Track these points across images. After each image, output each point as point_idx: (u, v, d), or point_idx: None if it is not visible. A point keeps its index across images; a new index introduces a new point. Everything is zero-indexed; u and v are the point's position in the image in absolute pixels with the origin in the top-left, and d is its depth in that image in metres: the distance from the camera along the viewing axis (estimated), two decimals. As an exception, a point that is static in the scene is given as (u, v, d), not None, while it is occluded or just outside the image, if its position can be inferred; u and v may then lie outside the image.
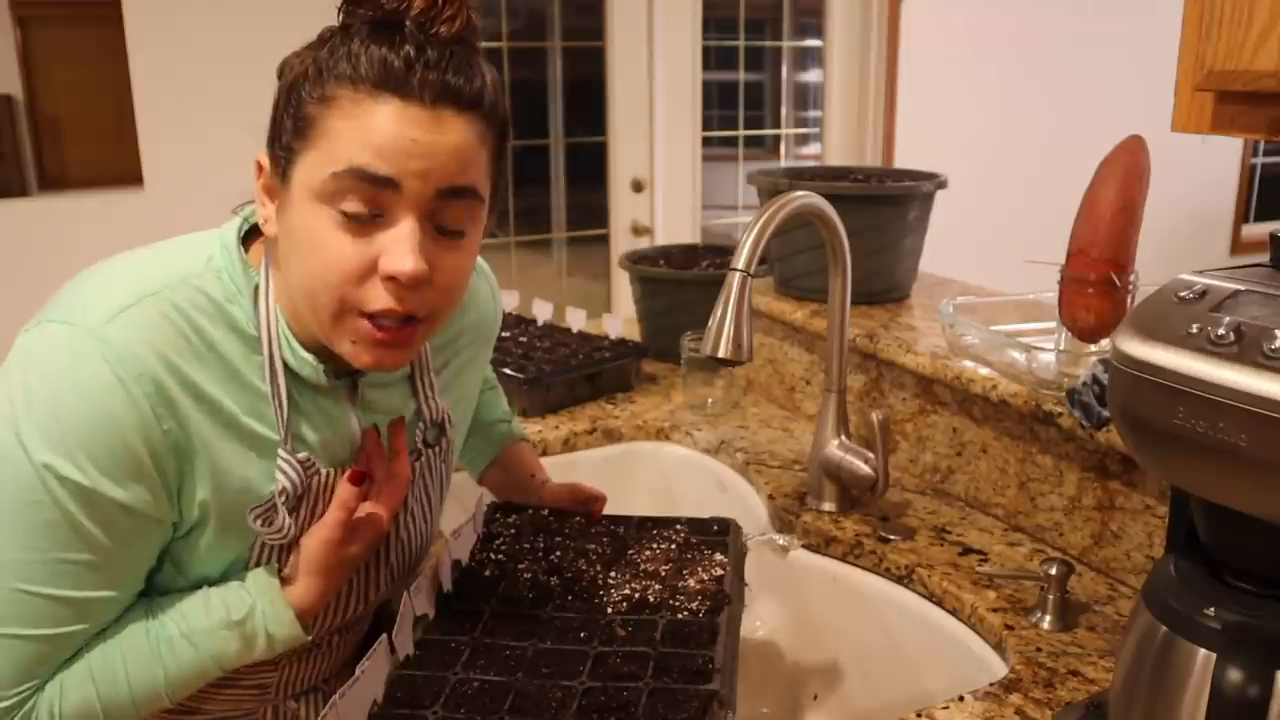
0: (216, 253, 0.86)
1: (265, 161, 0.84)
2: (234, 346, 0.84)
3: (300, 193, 0.80)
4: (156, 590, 0.88)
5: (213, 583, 0.88)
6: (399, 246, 0.78)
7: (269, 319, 0.85)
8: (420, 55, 0.77)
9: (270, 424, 0.86)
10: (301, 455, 0.87)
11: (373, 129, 0.76)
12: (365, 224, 0.78)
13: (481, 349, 1.10)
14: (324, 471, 0.89)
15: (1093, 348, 1.22)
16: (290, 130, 0.80)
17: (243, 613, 0.86)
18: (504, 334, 1.79)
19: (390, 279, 0.79)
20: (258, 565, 0.89)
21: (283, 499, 0.86)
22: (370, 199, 0.78)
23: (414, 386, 0.98)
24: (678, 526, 1.14)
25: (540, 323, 1.87)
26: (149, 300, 0.81)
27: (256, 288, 0.86)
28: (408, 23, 0.78)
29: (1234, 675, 0.69)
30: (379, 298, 0.80)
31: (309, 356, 0.86)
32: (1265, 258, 0.78)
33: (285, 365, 0.86)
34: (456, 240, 0.83)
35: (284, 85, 0.82)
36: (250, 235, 0.89)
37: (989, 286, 1.63)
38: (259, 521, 0.85)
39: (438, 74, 0.77)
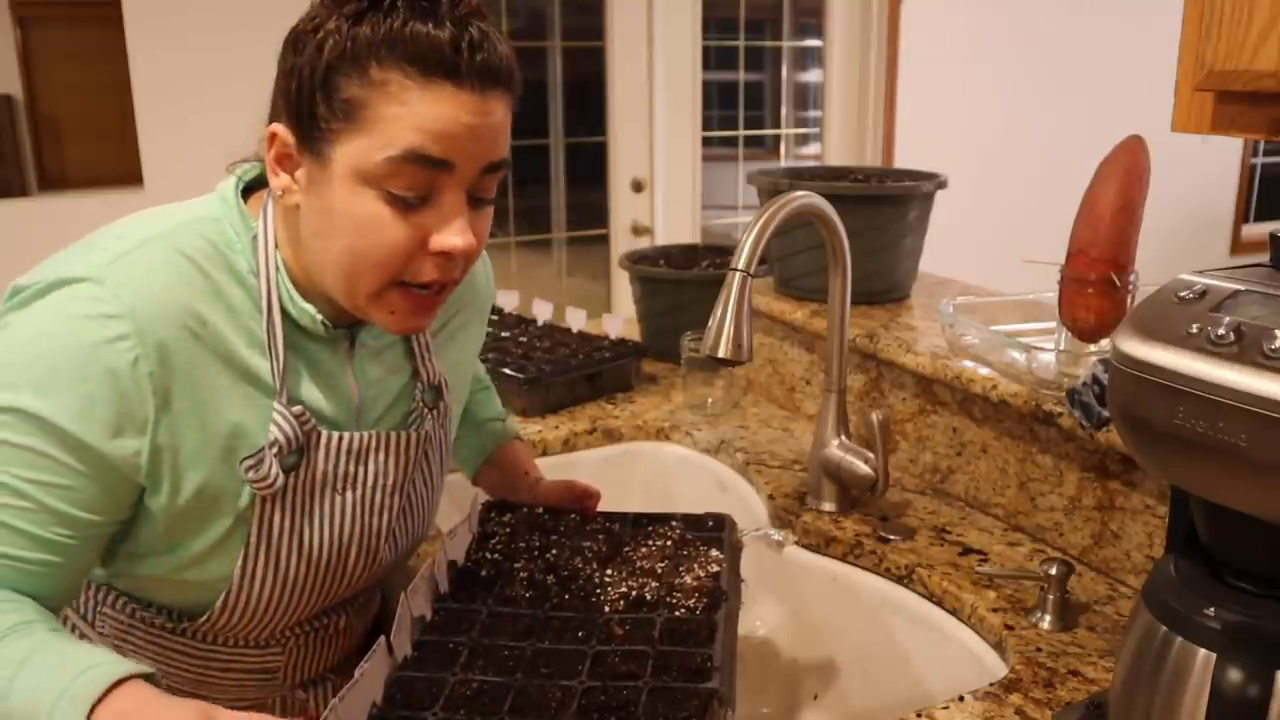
0: (215, 206, 0.88)
1: (283, 133, 0.82)
2: (235, 291, 0.85)
3: (343, 172, 0.80)
4: (134, 561, 0.89)
5: (195, 556, 0.87)
6: (453, 224, 0.82)
7: (268, 268, 0.86)
8: (463, 36, 0.78)
9: (267, 373, 0.86)
10: (296, 409, 0.87)
11: (427, 115, 0.78)
12: (416, 204, 0.81)
13: (475, 318, 1.11)
14: (322, 432, 0.90)
15: (1093, 348, 1.22)
16: (325, 107, 0.79)
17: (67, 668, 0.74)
18: (504, 334, 1.79)
19: (442, 254, 0.82)
20: (255, 531, 0.88)
21: (274, 450, 0.86)
22: (425, 181, 0.80)
23: (410, 348, 0.99)
24: (673, 523, 1.13)
25: (540, 323, 1.87)
26: (152, 242, 0.83)
27: (255, 237, 0.87)
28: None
29: (1234, 675, 0.69)
30: (427, 270, 0.83)
31: (308, 307, 0.88)
32: (1265, 258, 0.78)
33: (284, 315, 0.87)
34: (486, 209, 0.87)
35: (310, 59, 0.79)
36: (247, 191, 0.90)
37: (989, 286, 1.63)
38: (249, 470, 0.85)
39: (484, 56, 0.79)
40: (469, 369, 1.12)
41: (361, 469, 0.93)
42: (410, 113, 0.78)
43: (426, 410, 0.99)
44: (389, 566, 1.02)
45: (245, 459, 0.85)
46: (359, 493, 0.94)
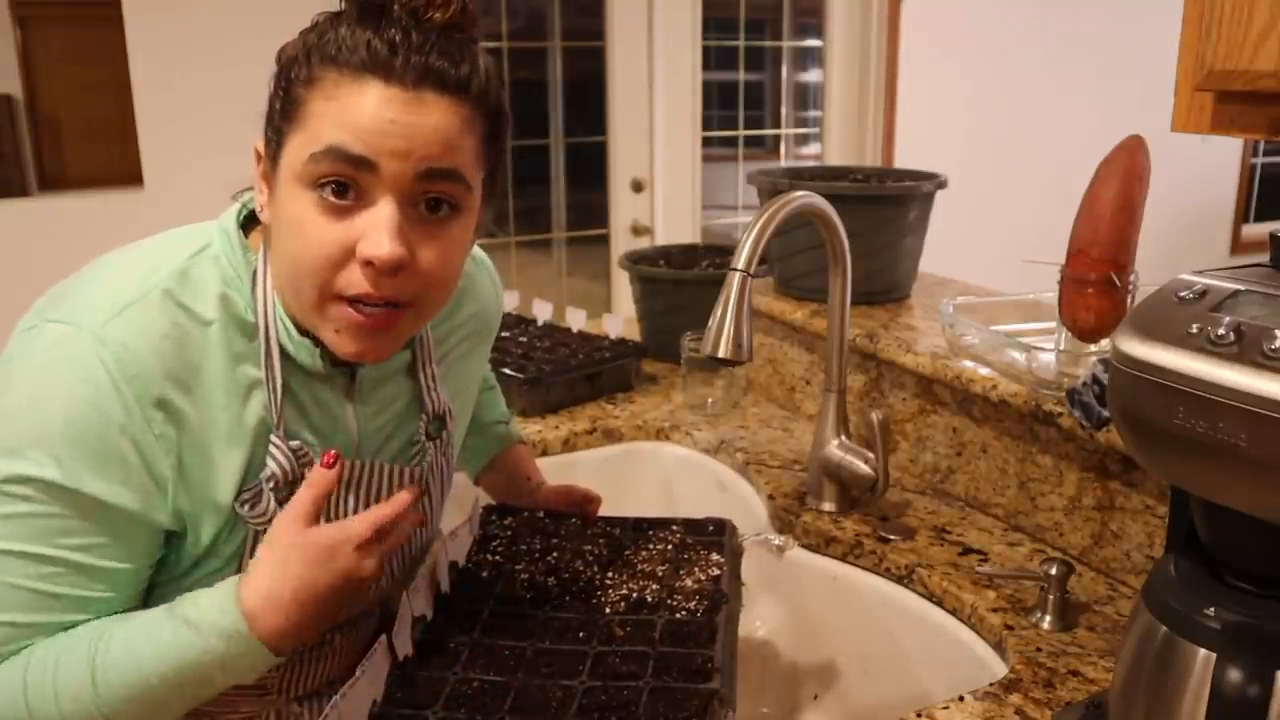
0: (216, 239, 0.86)
1: (260, 147, 0.84)
2: (232, 334, 0.84)
3: (286, 176, 0.80)
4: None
5: (187, 587, 0.86)
6: (376, 231, 0.78)
7: (266, 303, 0.85)
8: (405, 39, 0.77)
9: (266, 412, 0.85)
10: (294, 443, 0.86)
11: (351, 109, 0.76)
12: (345, 207, 0.78)
13: (482, 341, 1.10)
14: (318, 463, 0.88)
15: (1093, 348, 1.22)
16: (279, 113, 0.80)
17: (184, 602, 0.81)
18: (504, 334, 1.79)
19: (367, 263, 0.78)
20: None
21: (270, 484, 0.85)
22: (350, 180, 0.77)
23: (415, 378, 0.98)
24: (674, 528, 1.14)
25: (540, 323, 1.87)
26: (146, 297, 0.81)
27: (255, 273, 0.85)
28: (396, 7, 0.79)
29: (1234, 675, 0.69)
30: (357, 282, 0.79)
31: (306, 340, 0.86)
32: (1265, 258, 0.77)
33: (282, 351, 0.86)
34: (441, 227, 0.82)
35: (278, 69, 0.82)
36: (251, 221, 0.89)
37: (989, 286, 1.63)
38: (245, 505, 0.85)
39: (421, 57, 0.77)
40: (475, 389, 1.11)
41: (354, 499, 0.92)
42: (337, 107, 0.77)
43: (428, 442, 0.99)
44: (386, 592, 1.01)
45: (242, 494, 0.84)
46: None
